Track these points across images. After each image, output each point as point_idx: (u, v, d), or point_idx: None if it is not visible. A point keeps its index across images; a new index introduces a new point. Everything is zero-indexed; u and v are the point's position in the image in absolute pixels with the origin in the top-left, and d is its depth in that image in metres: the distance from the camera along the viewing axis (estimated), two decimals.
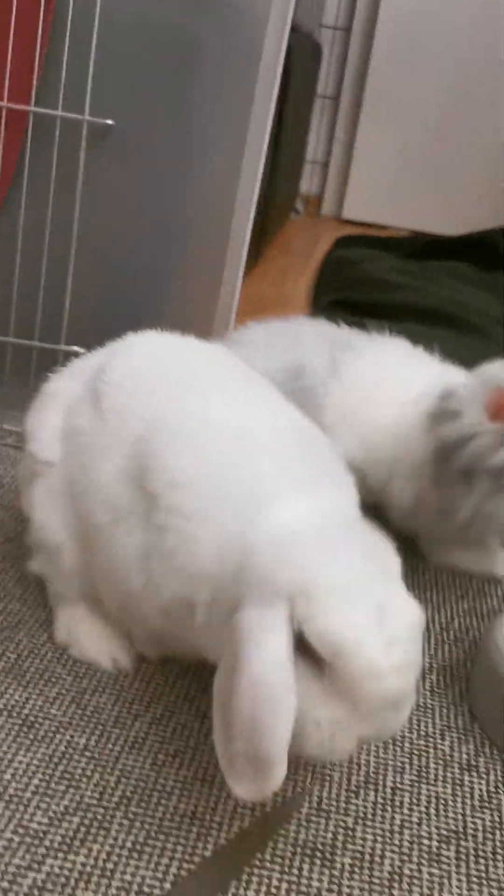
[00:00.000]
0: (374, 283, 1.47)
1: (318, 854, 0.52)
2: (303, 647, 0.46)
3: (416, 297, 1.38)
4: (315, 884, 0.50)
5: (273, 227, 2.17)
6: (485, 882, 0.52)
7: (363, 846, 0.53)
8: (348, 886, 0.50)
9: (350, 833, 0.54)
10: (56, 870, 0.49)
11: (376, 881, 0.51)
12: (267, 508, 0.53)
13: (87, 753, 0.57)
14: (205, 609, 0.53)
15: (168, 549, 0.54)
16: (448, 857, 0.53)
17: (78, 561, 0.63)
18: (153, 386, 0.60)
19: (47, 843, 0.50)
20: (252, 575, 0.49)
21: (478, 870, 0.52)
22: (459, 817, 0.56)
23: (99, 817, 0.52)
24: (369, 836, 0.54)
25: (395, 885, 0.51)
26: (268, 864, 0.51)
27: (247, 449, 0.57)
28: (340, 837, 0.53)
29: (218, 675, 0.49)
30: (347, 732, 0.47)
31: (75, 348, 0.95)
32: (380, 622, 0.46)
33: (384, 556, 0.52)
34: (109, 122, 0.90)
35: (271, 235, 2.09)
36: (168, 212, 0.90)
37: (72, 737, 0.58)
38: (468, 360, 1.24)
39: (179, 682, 0.64)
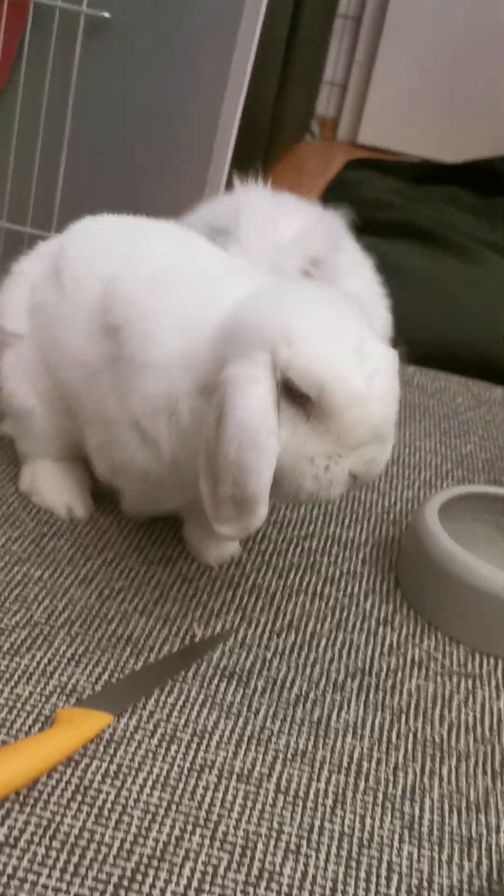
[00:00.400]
0: (370, 203, 1.49)
1: (236, 677, 0.59)
2: (289, 394, 0.51)
3: (406, 217, 1.40)
4: (228, 699, 0.57)
5: (284, 147, 2.18)
6: (379, 709, 0.58)
7: (277, 674, 0.60)
8: (258, 703, 0.57)
9: (267, 664, 0.60)
10: (2, 668, 0.56)
11: (283, 701, 0.58)
12: (228, 290, 0.57)
13: (41, 584, 0.64)
14: (187, 403, 0.56)
15: (129, 353, 0.58)
16: (351, 688, 0.60)
17: (49, 425, 0.69)
18: (107, 253, 0.65)
19: None
20: (232, 336, 0.53)
21: (375, 699, 0.59)
22: (367, 659, 0.63)
23: (45, 633, 0.59)
24: (283, 668, 0.60)
25: (300, 705, 0.58)
26: (189, 680, 0.58)
27: (197, 268, 0.63)
28: (258, 666, 0.60)
29: (205, 429, 0.53)
30: (339, 464, 0.52)
31: None
32: (359, 357, 0.51)
33: (355, 306, 0.57)
34: (106, 14, 0.92)
35: (282, 155, 2.10)
36: (157, 108, 0.93)
37: (28, 569, 0.65)
38: (447, 276, 1.29)
39: (132, 534, 0.71)
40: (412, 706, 0.59)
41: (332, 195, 1.75)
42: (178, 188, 0.96)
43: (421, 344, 1.13)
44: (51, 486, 0.71)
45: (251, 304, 0.55)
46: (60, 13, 0.92)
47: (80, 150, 0.96)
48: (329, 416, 0.51)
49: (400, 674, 0.62)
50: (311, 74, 2.20)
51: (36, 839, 0.46)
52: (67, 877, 0.44)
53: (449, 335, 1.12)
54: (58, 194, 0.97)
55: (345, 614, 0.67)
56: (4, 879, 0.43)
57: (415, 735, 0.57)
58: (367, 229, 1.43)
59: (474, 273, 1.25)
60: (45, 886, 0.43)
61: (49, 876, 0.44)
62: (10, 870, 0.44)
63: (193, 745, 0.53)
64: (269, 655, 0.61)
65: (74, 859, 0.45)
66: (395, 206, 1.46)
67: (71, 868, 0.45)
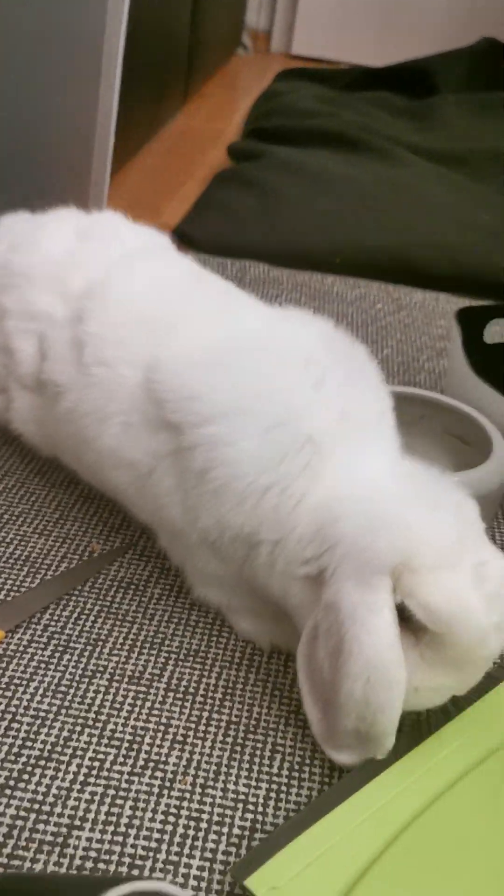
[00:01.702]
0: (291, 112, 1.46)
1: (133, 587, 0.60)
2: (399, 614, 0.45)
3: (327, 124, 1.38)
4: (124, 608, 0.58)
5: (213, 63, 2.12)
6: None
7: (174, 582, 0.61)
8: (153, 609, 0.58)
9: (165, 572, 0.62)
10: None
11: (179, 606, 0.59)
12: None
13: None
14: (272, 553, 0.49)
15: (199, 468, 0.49)
16: None
17: None
18: (138, 316, 0.55)
19: None
20: (341, 537, 0.46)
21: None
22: None
23: None
24: (181, 576, 0.62)
25: (196, 608, 0.59)
26: (86, 593, 0.59)
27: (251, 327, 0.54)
28: (155, 576, 0.61)
29: (306, 648, 0.47)
30: (445, 694, 0.47)
31: None
32: (479, 582, 0.44)
33: (460, 500, 0.49)
34: None
35: (208, 71, 2.04)
36: (37, 32, 0.90)
37: None
38: (367, 181, 1.27)
39: (34, 461, 0.71)
40: None
41: (259, 108, 1.71)
42: (66, 120, 0.93)
43: (341, 251, 1.13)
44: None
45: (367, 507, 0.46)
46: None
47: None
48: (446, 647, 0.45)
49: None
50: None
51: None
52: None
53: (369, 240, 1.11)
54: None
55: None
56: None
57: None
58: (290, 139, 1.41)
59: (395, 176, 1.23)
60: None
61: None
62: None
63: (86, 653, 0.54)
64: (167, 565, 0.62)
65: None
66: (319, 114, 1.43)
67: None
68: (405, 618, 0.44)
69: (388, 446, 0.52)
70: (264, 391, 0.49)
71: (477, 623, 0.44)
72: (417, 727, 0.49)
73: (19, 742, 0.48)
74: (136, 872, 0.43)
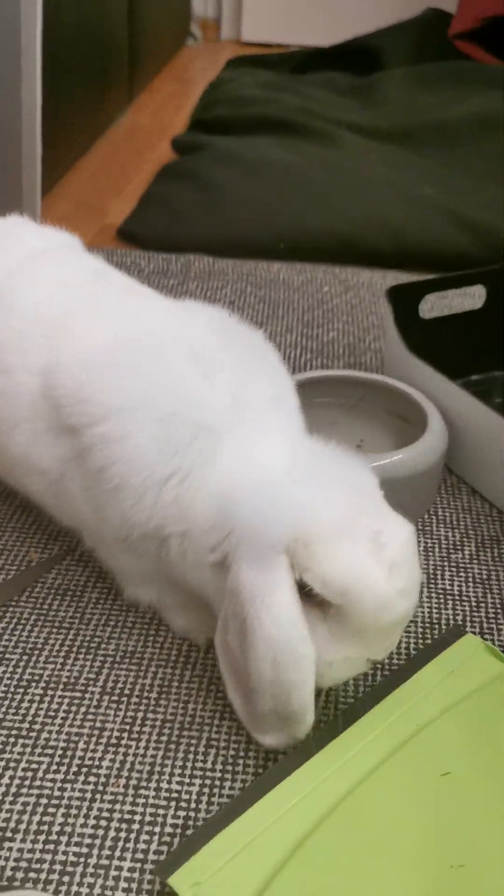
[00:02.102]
0: (233, 101, 1.46)
1: (70, 593, 0.60)
2: (303, 591, 0.45)
3: (267, 110, 1.37)
4: (62, 614, 0.58)
5: (160, 57, 2.10)
6: None
7: (111, 584, 0.61)
8: (90, 613, 0.59)
9: (102, 577, 0.62)
10: None
11: (116, 609, 0.59)
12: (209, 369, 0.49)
13: None
14: (181, 545, 0.49)
15: (97, 467, 0.49)
16: None
17: None
18: (32, 319, 0.55)
19: None
20: (237, 517, 0.46)
21: None
22: None
23: None
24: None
25: (133, 610, 0.59)
26: (22, 603, 0.59)
27: (150, 327, 0.53)
28: (93, 580, 0.61)
29: (220, 636, 0.47)
30: (360, 663, 0.47)
31: None
32: (377, 551, 0.44)
33: (358, 473, 0.49)
34: None
35: (155, 64, 2.03)
36: None
37: None
38: (307, 165, 1.26)
39: None
40: None
41: (204, 99, 1.70)
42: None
43: (285, 237, 1.12)
44: None
45: (263, 489, 0.46)
46: None
47: None
48: (353, 619, 0.45)
49: None
50: None
51: None
52: None
53: (312, 224, 1.11)
54: None
55: None
56: None
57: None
58: (232, 129, 1.41)
59: (336, 158, 1.22)
60: None
61: None
62: None
63: (22, 663, 0.55)
64: (104, 569, 0.62)
65: None
66: (259, 101, 1.42)
67: None
68: (310, 594, 0.45)
69: (284, 428, 0.51)
70: (153, 385, 0.49)
71: (375, 591, 0.44)
72: (347, 713, 0.49)
73: None
74: (66, 879, 0.43)
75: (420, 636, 0.58)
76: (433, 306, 0.92)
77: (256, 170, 1.20)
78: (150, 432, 0.48)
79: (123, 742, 0.50)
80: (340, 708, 0.52)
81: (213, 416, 0.49)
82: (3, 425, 0.54)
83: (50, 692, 0.53)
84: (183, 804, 0.47)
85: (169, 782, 0.48)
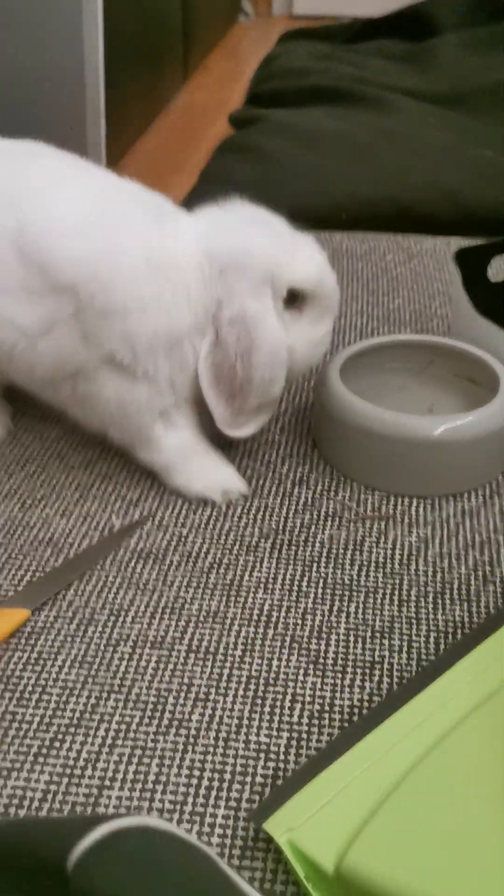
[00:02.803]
0: (286, 73, 1.45)
1: (152, 556, 0.62)
2: (287, 302, 0.63)
3: (320, 81, 1.36)
4: (144, 577, 0.60)
5: (214, 34, 2.10)
6: (291, 563, 0.61)
7: (192, 548, 0.62)
8: (172, 576, 0.60)
9: (183, 540, 0.63)
10: None
11: (197, 570, 0.60)
12: (170, 219, 0.64)
13: None
14: (190, 341, 0.62)
15: (100, 306, 0.60)
16: (264, 548, 0.62)
17: None
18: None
19: None
20: (228, 276, 0.61)
21: (287, 554, 0.62)
22: (281, 519, 0.65)
23: None
24: (199, 540, 0.63)
25: (213, 571, 0.60)
26: (107, 567, 0.61)
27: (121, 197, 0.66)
28: (174, 543, 0.63)
29: (209, 361, 0.61)
30: (328, 337, 0.67)
31: None
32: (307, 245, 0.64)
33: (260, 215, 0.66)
34: None
35: (209, 42, 2.03)
36: (12, 16, 0.91)
37: None
38: (361, 133, 1.25)
39: (53, 444, 0.73)
40: (324, 555, 0.62)
41: (259, 73, 1.70)
42: (53, 106, 0.94)
43: (345, 208, 1.12)
44: None
45: (232, 245, 0.61)
46: None
47: None
48: (321, 298, 0.64)
49: (313, 527, 0.64)
50: None
51: None
52: None
53: (370, 192, 1.10)
54: None
55: (261, 482, 0.69)
56: None
57: (325, 580, 0.60)
58: (286, 101, 1.40)
59: (392, 125, 1.21)
60: None
61: None
62: None
63: (110, 624, 0.56)
64: (184, 532, 0.64)
65: None
66: (313, 72, 1.41)
67: None
68: (292, 300, 0.63)
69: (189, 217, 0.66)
70: (123, 229, 0.61)
71: (331, 274, 0.65)
72: (429, 669, 0.50)
73: (49, 712, 0.51)
74: None
75: (500, 596, 0.58)
76: (497, 270, 0.91)
77: (313, 140, 1.19)
78: (133, 257, 0.60)
79: (211, 697, 0.51)
80: (423, 664, 0.53)
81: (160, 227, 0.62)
82: None
83: (138, 650, 0.54)
84: (272, 756, 0.48)
85: (257, 735, 0.49)
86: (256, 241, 0.61)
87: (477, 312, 0.76)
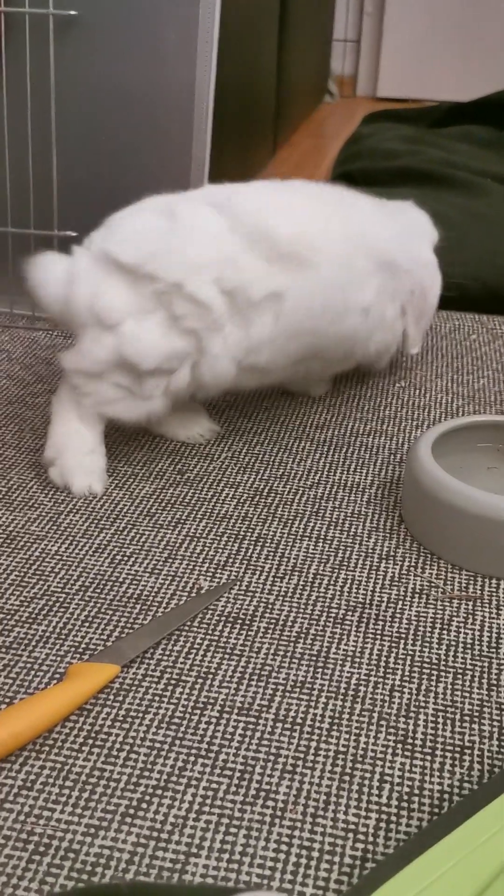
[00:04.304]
0: (375, 154, 1.49)
1: (240, 621, 0.62)
2: None
3: (411, 162, 1.39)
4: (232, 641, 0.60)
5: (301, 112, 2.17)
6: (378, 638, 0.61)
7: (279, 615, 0.63)
8: (259, 642, 0.60)
9: (270, 606, 0.63)
10: (21, 636, 0.60)
11: (284, 639, 0.60)
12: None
13: (57, 557, 0.68)
14: None
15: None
16: (351, 621, 0.62)
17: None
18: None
19: (17, 617, 0.62)
20: (406, 246, 0.88)
21: (374, 628, 0.61)
22: (368, 593, 0.65)
23: (60, 600, 0.64)
24: (285, 608, 0.63)
25: (300, 641, 0.60)
26: (195, 628, 0.61)
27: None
28: (261, 609, 0.63)
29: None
30: None
31: (68, 232, 1.04)
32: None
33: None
34: (73, 12, 0.96)
35: (296, 120, 2.09)
36: (132, 93, 0.96)
37: (45, 546, 0.69)
38: (452, 214, 1.27)
39: (143, 502, 0.75)
40: (411, 631, 0.61)
41: (345, 152, 1.75)
42: (163, 171, 0.99)
43: None
44: (76, 456, 0.75)
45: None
46: (30, 17, 0.96)
47: (67, 146, 1.00)
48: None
49: (400, 603, 0.64)
50: (317, 34, 2.18)
51: (51, 781, 0.50)
52: (79, 811, 0.48)
53: (458, 272, 1.11)
54: (54, 192, 1.01)
55: (348, 553, 0.69)
56: (22, 818, 0.48)
57: (412, 658, 0.59)
58: (375, 181, 1.43)
59: (480, 207, 1.23)
60: (58, 821, 0.48)
61: (62, 811, 0.48)
62: (27, 809, 0.48)
63: (197, 686, 0.57)
64: (271, 599, 0.64)
65: (85, 795, 0.49)
66: (402, 154, 1.45)
67: (82, 803, 0.49)
68: None
69: None
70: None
71: None
72: None
73: (137, 772, 0.51)
74: None
75: None
76: None
77: None
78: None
79: (298, 770, 0.51)
80: None
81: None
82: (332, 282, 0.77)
83: (225, 716, 0.54)
84: (360, 836, 0.47)
85: (345, 814, 0.49)
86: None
87: None
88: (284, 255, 0.73)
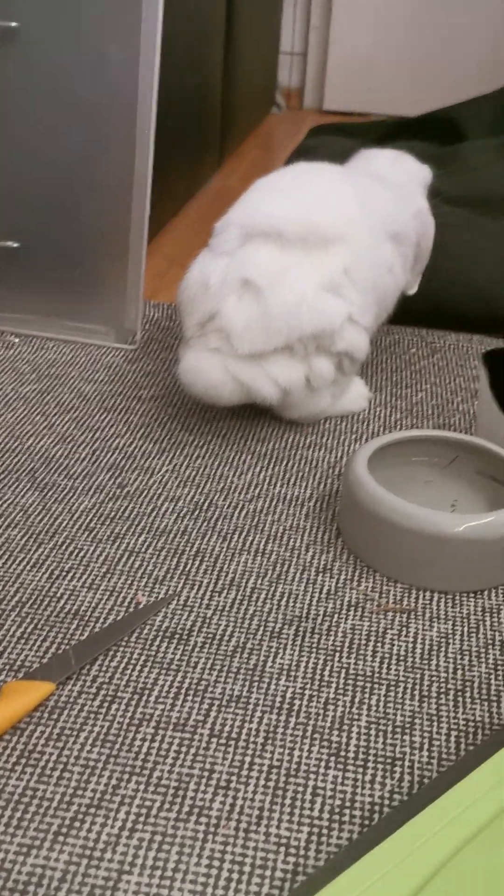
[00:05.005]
0: None
1: (177, 636, 0.62)
2: None
3: None
4: (169, 657, 0.60)
5: (248, 124, 2.18)
6: (314, 651, 0.61)
7: (216, 630, 0.63)
8: (196, 657, 0.61)
9: (207, 621, 0.64)
10: None
11: (221, 653, 0.61)
12: None
13: None
14: None
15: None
16: (287, 634, 0.63)
17: None
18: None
19: None
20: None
21: (310, 642, 0.62)
22: (305, 606, 0.66)
23: None
24: (223, 623, 0.64)
25: (237, 655, 0.61)
26: (132, 644, 0.61)
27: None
28: (198, 624, 0.63)
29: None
30: None
31: (10, 243, 1.03)
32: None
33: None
34: (14, 24, 0.95)
35: (243, 131, 2.11)
36: (76, 105, 0.96)
37: None
38: None
39: (83, 516, 0.74)
40: (346, 644, 0.62)
41: (291, 164, 1.76)
42: (106, 182, 0.99)
43: None
44: None
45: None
46: None
47: (8, 158, 0.99)
48: None
49: (336, 616, 0.65)
50: (264, 47, 2.20)
51: None
52: (11, 830, 0.48)
53: None
54: None
55: (285, 567, 0.70)
56: None
57: (347, 670, 0.60)
58: None
59: None
60: None
61: None
62: None
63: (133, 702, 0.57)
64: (209, 613, 0.65)
65: (18, 815, 0.49)
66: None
67: (14, 822, 0.49)
68: None
69: None
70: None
71: None
72: (450, 771, 0.50)
73: (70, 791, 0.51)
74: None
75: None
76: None
77: None
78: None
79: (232, 785, 0.51)
80: (444, 763, 0.53)
81: None
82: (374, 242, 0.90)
83: (161, 732, 0.55)
84: (292, 850, 0.48)
85: (278, 828, 0.49)
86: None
87: (502, 412, 0.78)
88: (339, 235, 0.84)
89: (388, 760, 0.53)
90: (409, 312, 1.14)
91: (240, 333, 0.78)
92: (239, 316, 0.78)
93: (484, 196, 1.38)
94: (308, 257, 0.81)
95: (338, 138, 1.91)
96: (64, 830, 0.48)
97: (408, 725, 0.56)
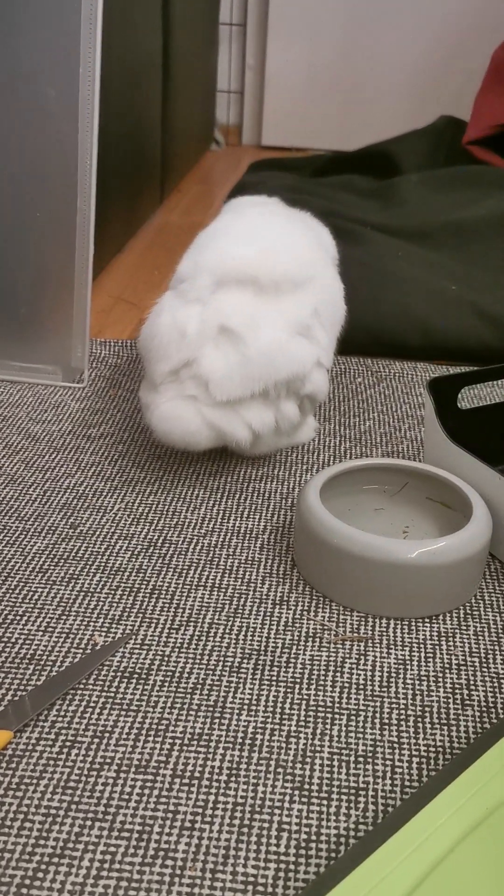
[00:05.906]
0: None
1: (135, 676, 0.62)
2: None
3: None
4: (128, 697, 0.60)
5: (184, 160, 2.21)
6: (273, 684, 0.62)
7: (175, 667, 0.63)
8: (156, 696, 0.60)
9: (166, 659, 0.63)
10: None
11: (181, 691, 0.61)
12: None
13: None
14: None
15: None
16: (247, 668, 0.63)
17: None
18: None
19: None
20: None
21: (270, 675, 0.62)
22: (263, 639, 0.66)
23: None
24: (182, 660, 0.63)
25: (197, 691, 0.61)
26: (90, 686, 0.61)
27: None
28: (157, 663, 0.63)
29: None
30: None
31: None
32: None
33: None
34: None
35: (183, 168, 2.13)
36: (16, 148, 0.96)
37: None
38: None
39: (35, 558, 0.74)
40: (305, 676, 0.62)
41: (230, 200, 1.79)
42: (49, 222, 0.99)
43: None
44: None
45: None
46: None
47: None
48: None
49: (295, 648, 0.65)
50: (201, 86, 2.24)
51: None
52: None
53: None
54: None
55: (242, 601, 0.70)
56: None
57: (307, 702, 0.60)
58: None
59: (362, 255, 1.28)
60: None
61: None
62: None
63: (93, 747, 0.56)
64: (167, 651, 0.64)
65: None
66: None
67: None
68: None
69: None
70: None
71: None
72: (413, 799, 0.50)
73: (32, 841, 0.50)
74: None
75: (478, 720, 0.59)
76: (462, 396, 0.95)
77: None
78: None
79: (197, 826, 0.51)
80: (407, 790, 0.53)
81: None
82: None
83: (122, 775, 0.54)
84: (259, 889, 0.48)
85: (244, 866, 0.49)
86: None
87: (448, 439, 0.79)
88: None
89: (352, 791, 0.53)
90: (352, 342, 1.16)
91: (218, 381, 0.78)
92: (218, 363, 0.78)
93: (420, 228, 1.42)
94: (280, 302, 0.82)
95: (276, 173, 1.94)
96: (27, 882, 0.47)
97: (370, 754, 0.56)
